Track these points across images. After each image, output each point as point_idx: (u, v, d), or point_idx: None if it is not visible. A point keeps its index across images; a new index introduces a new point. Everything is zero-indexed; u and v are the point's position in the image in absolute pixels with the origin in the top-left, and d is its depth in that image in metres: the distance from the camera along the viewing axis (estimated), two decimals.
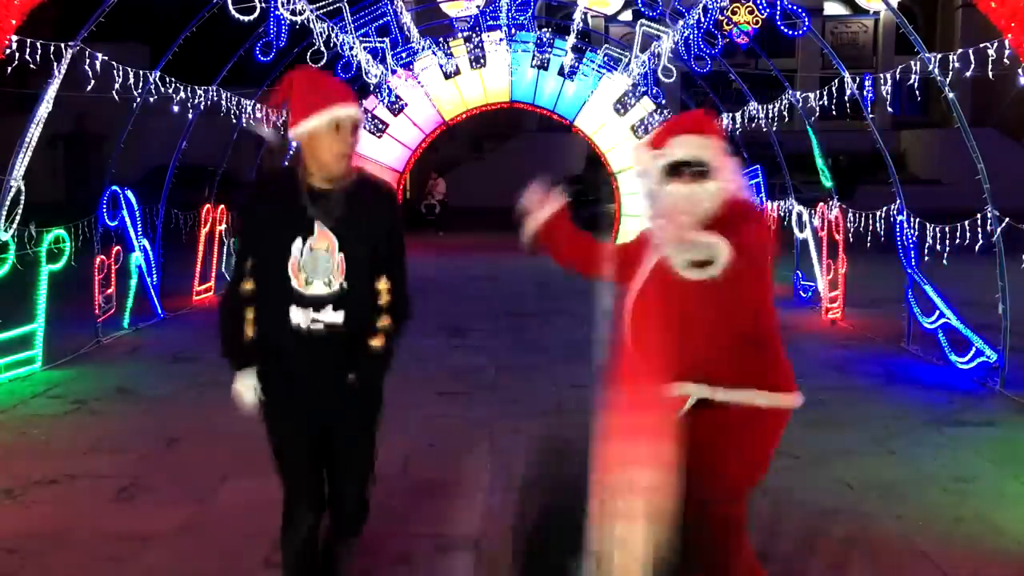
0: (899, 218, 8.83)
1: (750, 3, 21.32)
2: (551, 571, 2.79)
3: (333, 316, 2.99)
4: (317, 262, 2.97)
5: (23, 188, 7.30)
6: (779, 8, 10.30)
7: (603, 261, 3.16)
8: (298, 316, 2.99)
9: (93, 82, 7.87)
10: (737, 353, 2.89)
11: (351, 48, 13.43)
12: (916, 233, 8.59)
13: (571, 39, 17.65)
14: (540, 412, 6.22)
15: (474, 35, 18.20)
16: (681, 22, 12.87)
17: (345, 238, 2.99)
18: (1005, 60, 6.74)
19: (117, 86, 8.49)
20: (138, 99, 9.16)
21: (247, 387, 3.09)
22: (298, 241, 2.97)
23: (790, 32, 11.34)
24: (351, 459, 3.19)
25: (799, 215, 11.82)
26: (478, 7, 17.80)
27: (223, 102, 11.54)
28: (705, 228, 2.75)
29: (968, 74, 7.33)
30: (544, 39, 18.42)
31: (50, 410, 6.63)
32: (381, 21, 14.38)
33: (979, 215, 7.43)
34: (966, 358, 7.55)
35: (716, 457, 2.90)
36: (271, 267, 3.01)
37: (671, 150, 2.91)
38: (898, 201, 8.94)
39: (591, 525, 2.57)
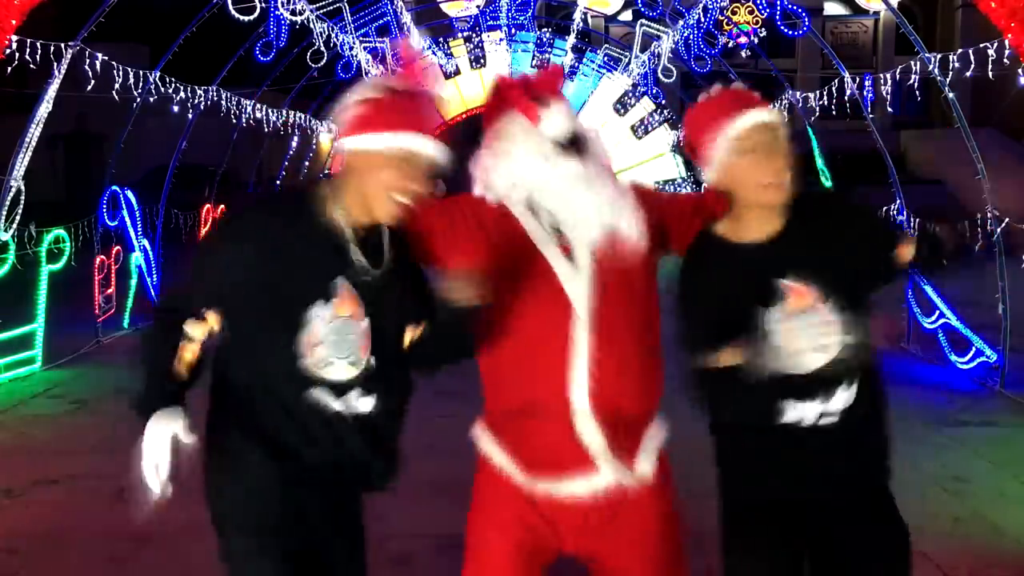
0: (899, 218, 8.83)
1: (750, 3, 21.31)
2: None
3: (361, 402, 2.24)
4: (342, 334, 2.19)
5: (23, 188, 7.30)
6: (779, 8, 10.32)
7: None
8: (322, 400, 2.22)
9: (93, 82, 7.87)
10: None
11: (351, 48, 13.44)
12: (916, 233, 8.58)
13: (571, 39, 17.66)
14: None
15: (474, 35, 18.22)
16: (681, 22, 12.89)
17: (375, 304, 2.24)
18: (1005, 60, 6.75)
19: (117, 86, 8.49)
20: (138, 99, 9.16)
21: (172, 428, 2.26)
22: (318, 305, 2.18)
23: (790, 32, 11.36)
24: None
25: None
26: (478, 7, 17.80)
27: (223, 102, 11.55)
28: None
29: (968, 74, 7.33)
30: (544, 39, 18.44)
31: (50, 410, 6.63)
32: (381, 21, 14.40)
33: (979, 215, 7.42)
34: (966, 358, 7.55)
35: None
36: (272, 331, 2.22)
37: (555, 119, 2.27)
38: (898, 201, 8.93)
39: None
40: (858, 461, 2.42)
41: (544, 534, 2.31)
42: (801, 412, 2.26)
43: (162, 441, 2.20)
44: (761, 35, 20.43)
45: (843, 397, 2.30)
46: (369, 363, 2.21)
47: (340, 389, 2.20)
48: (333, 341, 2.17)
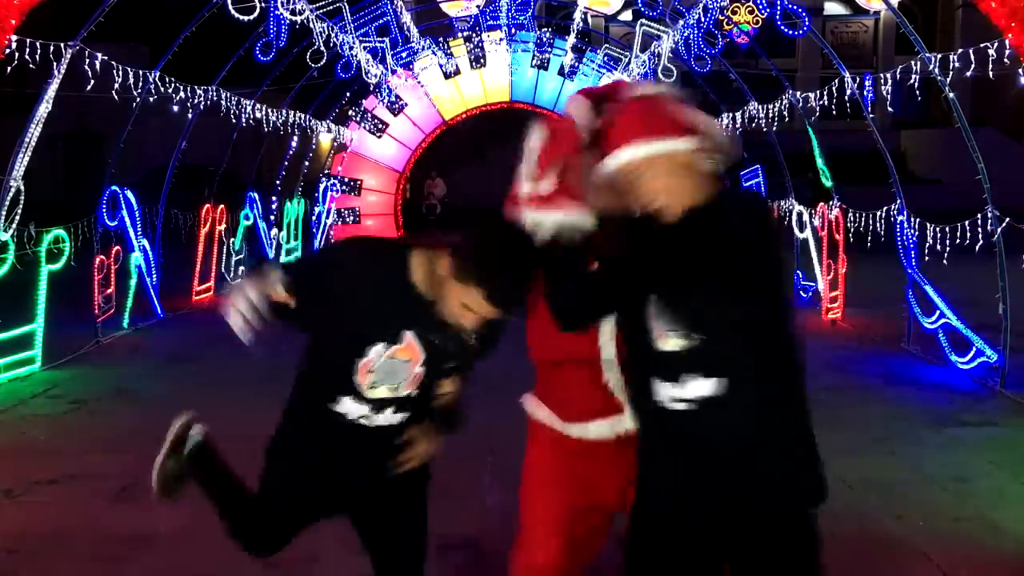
0: (899, 218, 8.83)
1: (750, 3, 21.34)
2: None
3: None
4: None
5: (23, 188, 7.30)
6: (779, 8, 10.30)
7: None
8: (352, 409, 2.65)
9: (93, 82, 7.87)
10: None
11: (351, 48, 13.43)
12: (916, 233, 8.58)
13: (571, 39, 17.64)
14: None
15: (474, 35, 18.20)
16: (681, 22, 12.88)
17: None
18: (1005, 60, 6.75)
19: (117, 86, 8.49)
20: (138, 99, 9.16)
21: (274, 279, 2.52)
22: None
23: (790, 32, 11.35)
24: (398, 547, 2.94)
25: (799, 215, 11.82)
26: (478, 7, 17.79)
27: (223, 102, 11.54)
28: None
29: (968, 74, 7.33)
30: (544, 39, 18.41)
31: (50, 410, 6.63)
32: (381, 21, 14.38)
33: (979, 215, 7.42)
34: (966, 358, 7.55)
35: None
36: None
37: None
38: (898, 201, 8.93)
39: None
40: (748, 472, 2.30)
41: (587, 485, 2.71)
42: (661, 392, 2.30)
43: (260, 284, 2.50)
44: (760, 35, 20.48)
45: (698, 386, 2.27)
46: (409, 394, 2.62)
47: (376, 405, 2.60)
48: (384, 373, 2.57)
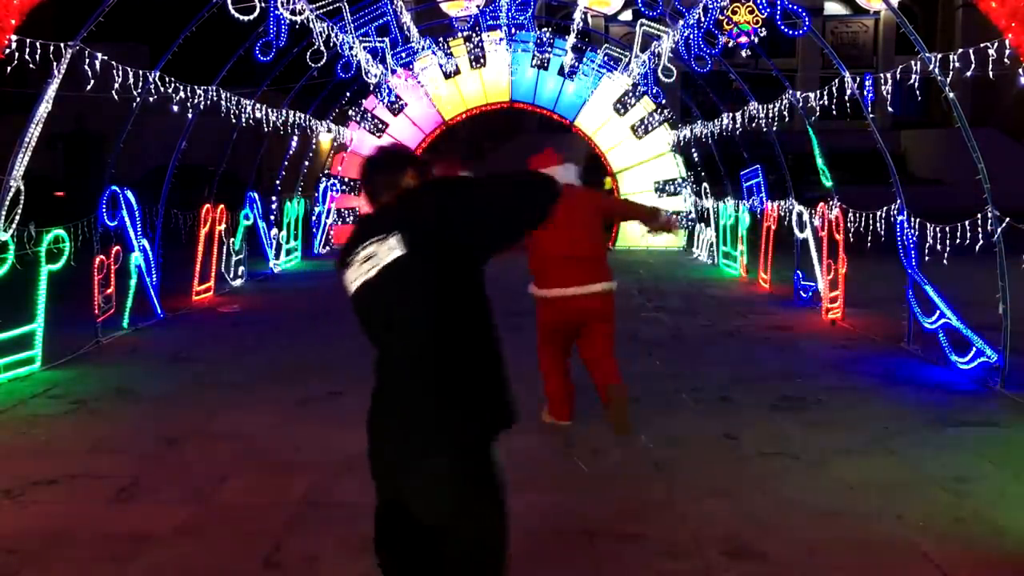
0: (899, 218, 8.83)
1: (750, 3, 21.31)
2: None
3: None
4: None
5: (23, 188, 7.29)
6: (779, 8, 10.31)
7: None
8: None
9: (93, 82, 7.87)
10: None
11: (351, 48, 13.45)
12: (916, 233, 8.58)
13: (571, 39, 17.65)
14: (540, 412, 6.22)
15: (474, 35, 18.21)
16: (681, 22, 12.88)
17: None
18: (1005, 60, 6.75)
19: (117, 86, 8.49)
20: (138, 99, 9.16)
21: None
22: None
23: (790, 32, 11.35)
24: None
25: (799, 215, 11.81)
26: (478, 7, 17.79)
27: (223, 102, 11.54)
28: None
29: (968, 74, 7.32)
30: (544, 39, 18.43)
31: (50, 410, 6.62)
32: (381, 21, 14.39)
33: (979, 215, 7.42)
34: (966, 358, 7.54)
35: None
36: None
37: None
38: (898, 201, 8.93)
39: None
40: None
41: (566, 317, 5.84)
42: None
43: None
44: (761, 35, 20.47)
45: None
46: None
47: None
48: None
